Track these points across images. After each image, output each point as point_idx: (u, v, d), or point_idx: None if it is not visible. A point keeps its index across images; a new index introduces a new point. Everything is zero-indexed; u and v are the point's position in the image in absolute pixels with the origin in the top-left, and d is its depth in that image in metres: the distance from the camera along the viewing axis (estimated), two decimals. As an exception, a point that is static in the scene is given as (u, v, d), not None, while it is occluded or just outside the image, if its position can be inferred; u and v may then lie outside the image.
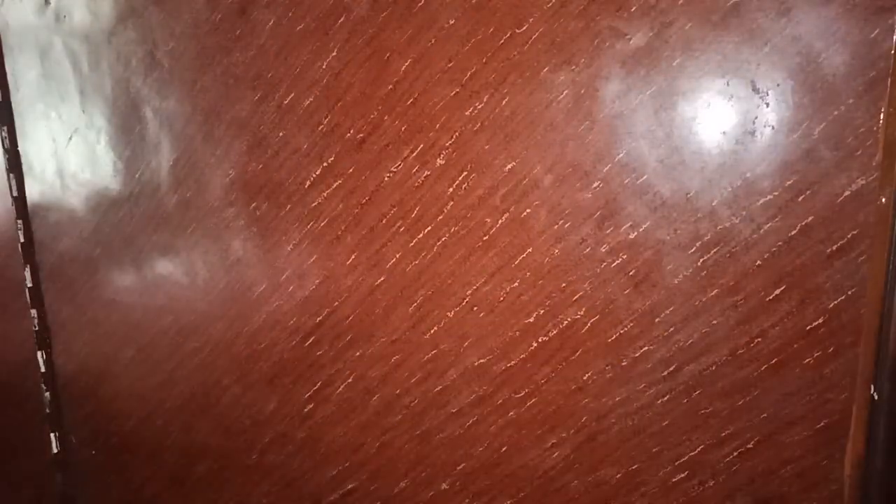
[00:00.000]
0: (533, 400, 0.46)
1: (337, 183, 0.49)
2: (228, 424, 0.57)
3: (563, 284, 0.43)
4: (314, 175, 0.50)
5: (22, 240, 0.67)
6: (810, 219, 0.37)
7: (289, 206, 0.51)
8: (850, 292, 0.37)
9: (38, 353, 0.69)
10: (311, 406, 0.53)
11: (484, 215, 0.45)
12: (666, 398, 0.42)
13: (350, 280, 0.50)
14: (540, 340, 0.45)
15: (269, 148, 0.51)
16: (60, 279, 0.67)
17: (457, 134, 0.44)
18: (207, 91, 0.53)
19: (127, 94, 0.57)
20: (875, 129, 0.35)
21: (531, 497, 0.48)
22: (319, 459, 0.55)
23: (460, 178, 0.45)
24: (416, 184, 0.46)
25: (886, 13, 0.34)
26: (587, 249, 0.42)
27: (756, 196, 0.38)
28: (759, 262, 0.39)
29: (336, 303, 0.51)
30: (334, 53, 0.47)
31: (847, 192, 0.36)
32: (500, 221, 0.44)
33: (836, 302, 0.38)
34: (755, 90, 0.37)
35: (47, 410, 0.70)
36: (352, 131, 0.47)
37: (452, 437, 0.49)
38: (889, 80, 0.34)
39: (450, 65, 0.43)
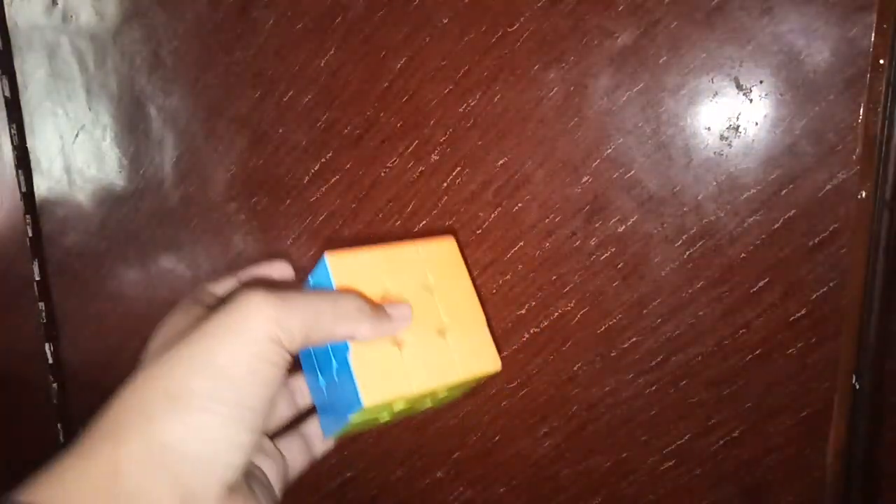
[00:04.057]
0: (525, 390, 0.47)
1: (335, 178, 0.50)
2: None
3: (554, 277, 0.44)
4: (313, 170, 0.51)
5: (30, 234, 0.68)
6: (793, 212, 0.38)
7: (288, 200, 0.53)
8: (831, 284, 0.38)
9: (46, 345, 0.70)
10: (310, 396, 0.55)
11: (477, 209, 0.46)
12: (654, 388, 0.43)
13: (348, 273, 0.51)
14: (531, 332, 0.46)
15: (269, 144, 0.53)
16: (67, 273, 0.69)
17: (450, 130, 0.45)
18: (209, 89, 0.54)
19: (131, 92, 0.59)
20: (854, 124, 0.36)
21: (523, 485, 0.49)
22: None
23: (454, 174, 0.46)
24: (411, 179, 0.47)
25: (865, 12, 0.35)
26: (577, 243, 0.43)
27: (740, 190, 0.39)
28: (743, 254, 0.40)
29: (334, 295, 0.52)
30: (332, 52, 0.48)
31: (828, 187, 0.37)
32: (492, 215, 0.45)
33: (818, 294, 0.39)
34: (739, 87, 0.38)
35: (54, 401, 0.71)
36: (349, 128, 0.49)
37: (447, 427, 0.51)
38: (868, 76, 0.35)
39: (443, 63, 0.45)
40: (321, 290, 0.27)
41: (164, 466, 0.22)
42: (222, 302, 0.28)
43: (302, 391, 0.34)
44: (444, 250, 0.32)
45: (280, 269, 0.34)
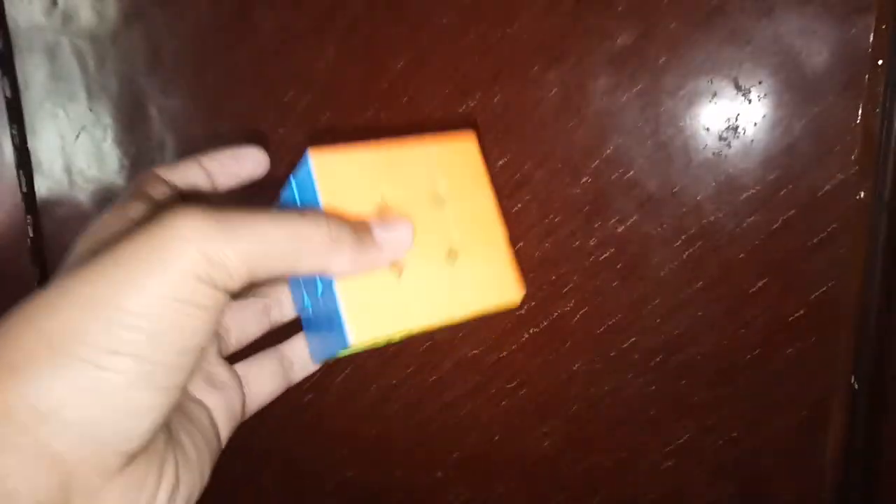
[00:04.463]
0: (524, 390, 0.47)
1: (335, 179, 0.50)
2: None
3: (554, 277, 0.44)
4: (313, 171, 0.51)
5: (31, 234, 0.68)
6: (792, 213, 0.38)
7: (288, 201, 0.53)
8: (830, 284, 0.38)
9: (47, 345, 0.71)
10: (310, 396, 0.55)
11: (477, 210, 0.46)
12: (653, 388, 0.44)
13: (348, 273, 0.51)
14: (531, 332, 0.46)
15: (269, 145, 0.53)
16: (68, 273, 0.69)
17: (450, 131, 0.45)
18: (209, 89, 0.54)
19: (132, 93, 0.59)
20: (853, 125, 0.36)
21: (523, 485, 0.49)
22: (319, 447, 0.56)
23: (454, 174, 0.46)
24: (411, 179, 0.47)
25: (863, 13, 0.35)
26: (576, 243, 0.43)
27: (739, 191, 0.39)
28: (742, 254, 0.40)
29: (334, 295, 0.52)
30: (332, 52, 0.48)
31: (827, 187, 0.37)
32: (492, 216, 0.45)
33: (816, 294, 0.39)
34: (738, 88, 0.38)
35: (56, 401, 0.72)
36: (349, 128, 0.49)
37: (447, 427, 0.51)
38: (867, 77, 0.35)
39: (443, 63, 0.45)
40: (282, 211, 0.21)
41: (35, 438, 0.17)
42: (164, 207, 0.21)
43: (280, 303, 0.29)
44: (460, 151, 0.27)
45: (252, 159, 0.29)
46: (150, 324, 0.18)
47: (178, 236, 0.18)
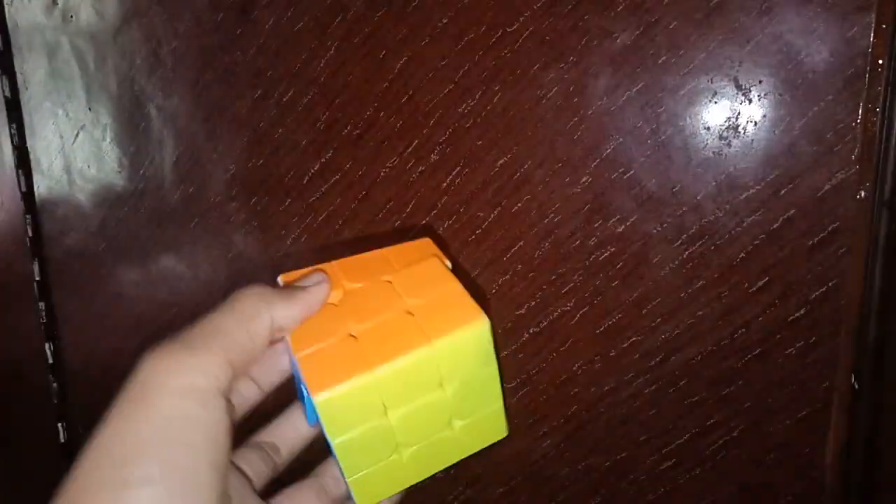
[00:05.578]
0: (524, 390, 0.47)
1: (335, 178, 0.50)
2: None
3: (553, 277, 0.44)
4: (313, 170, 0.51)
5: (30, 234, 0.68)
6: (792, 212, 0.38)
7: (288, 200, 0.53)
8: (830, 284, 0.38)
9: (46, 345, 0.70)
10: (309, 396, 0.55)
11: (476, 209, 0.46)
12: (653, 388, 0.43)
13: (347, 273, 0.51)
14: (531, 332, 0.46)
15: (269, 144, 0.53)
16: (67, 273, 0.69)
17: (450, 130, 0.45)
18: (209, 89, 0.54)
19: (131, 92, 0.59)
20: (854, 124, 0.36)
21: (522, 484, 0.49)
22: (323, 449, 0.56)
23: (454, 173, 0.46)
24: (411, 179, 0.47)
25: (864, 12, 0.35)
26: (577, 242, 0.43)
27: (739, 190, 0.39)
28: (742, 254, 0.40)
29: (334, 295, 0.52)
30: (332, 52, 0.48)
31: (827, 186, 0.37)
32: (492, 215, 0.45)
33: (817, 293, 0.39)
34: (738, 87, 0.38)
35: (55, 400, 0.71)
36: (349, 128, 0.49)
37: (447, 427, 0.51)
38: (867, 76, 0.35)
39: (443, 62, 0.45)
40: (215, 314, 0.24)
41: None
42: None
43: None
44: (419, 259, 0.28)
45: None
46: (166, 451, 0.21)
47: (150, 370, 0.22)
